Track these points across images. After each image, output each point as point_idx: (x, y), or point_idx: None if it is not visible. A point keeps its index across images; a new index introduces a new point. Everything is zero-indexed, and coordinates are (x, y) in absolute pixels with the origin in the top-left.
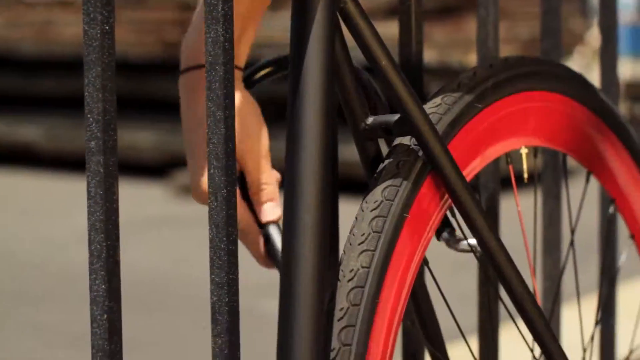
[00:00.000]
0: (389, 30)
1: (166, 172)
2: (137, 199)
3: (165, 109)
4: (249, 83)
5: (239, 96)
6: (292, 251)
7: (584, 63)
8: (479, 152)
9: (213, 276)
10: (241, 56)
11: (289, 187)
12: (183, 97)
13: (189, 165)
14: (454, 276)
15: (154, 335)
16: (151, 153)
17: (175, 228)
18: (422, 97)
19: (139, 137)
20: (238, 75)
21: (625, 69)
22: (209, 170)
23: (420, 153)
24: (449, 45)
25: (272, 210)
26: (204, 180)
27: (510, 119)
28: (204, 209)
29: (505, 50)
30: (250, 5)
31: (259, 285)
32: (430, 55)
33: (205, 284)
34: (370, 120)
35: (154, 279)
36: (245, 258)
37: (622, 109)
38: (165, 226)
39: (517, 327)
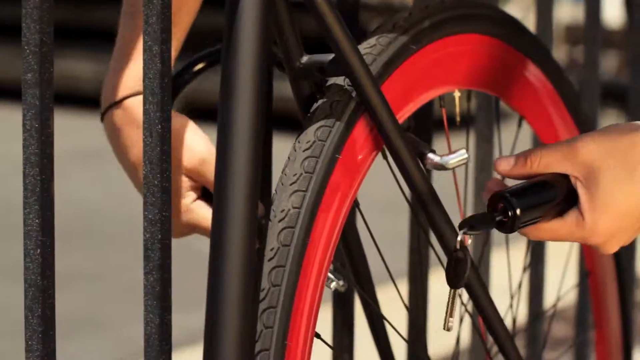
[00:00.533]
0: None
1: None
2: (76, 130)
3: (106, 39)
4: (180, 82)
5: (176, 127)
6: (223, 191)
7: (525, 6)
8: (412, 94)
9: (146, 213)
10: None
11: (222, 125)
12: (113, 140)
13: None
14: (386, 217)
15: (91, 268)
16: (90, 84)
17: (113, 161)
18: (358, 37)
19: (78, 67)
20: None
21: (565, 13)
22: (144, 106)
23: (354, 94)
24: None
25: None
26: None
27: (444, 62)
28: None
29: None
30: (176, 16)
31: None
32: None
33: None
34: (304, 59)
35: (92, 211)
36: None
37: (560, 52)
38: (104, 158)
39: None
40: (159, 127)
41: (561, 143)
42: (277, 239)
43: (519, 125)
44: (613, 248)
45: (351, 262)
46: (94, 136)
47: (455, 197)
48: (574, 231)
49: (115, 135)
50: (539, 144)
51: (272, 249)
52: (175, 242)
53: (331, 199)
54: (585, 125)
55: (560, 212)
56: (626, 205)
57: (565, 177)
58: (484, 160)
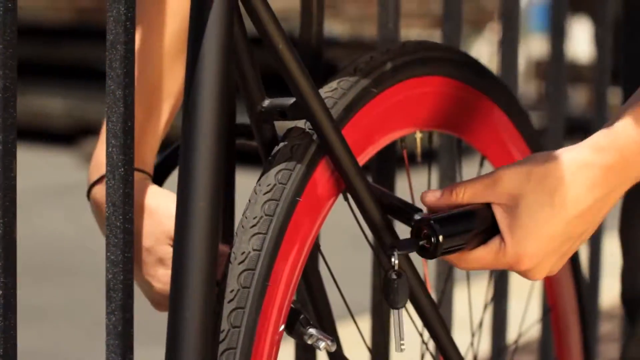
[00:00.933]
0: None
1: (75, 140)
2: (45, 166)
3: (77, 76)
4: (169, 165)
5: (157, 201)
6: (184, 234)
7: (496, 40)
8: (374, 136)
9: (108, 254)
10: (147, 157)
11: (183, 168)
12: (98, 215)
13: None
14: (350, 252)
15: (59, 303)
16: (61, 120)
17: (84, 196)
18: (326, 74)
19: (49, 104)
20: (143, 178)
21: (536, 48)
22: (107, 149)
23: (315, 137)
24: (361, 19)
25: None
26: (158, 287)
27: (406, 104)
28: None
29: (418, 25)
30: (152, 98)
31: None
32: (342, 29)
33: None
34: (266, 102)
35: (60, 247)
36: None
37: (531, 87)
38: (73, 194)
39: (408, 313)
40: (122, 170)
41: (484, 175)
42: (237, 281)
43: (481, 164)
44: (540, 274)
45: (312, 300)
46: (64, 172)
47: None
48: (499, 258)
49: (99, 211)
50: None
51: (232, 291)
52: None
53: (292, 241)
54: None
55: (484, 241)
56: (548, 228)
57: (489, 207)
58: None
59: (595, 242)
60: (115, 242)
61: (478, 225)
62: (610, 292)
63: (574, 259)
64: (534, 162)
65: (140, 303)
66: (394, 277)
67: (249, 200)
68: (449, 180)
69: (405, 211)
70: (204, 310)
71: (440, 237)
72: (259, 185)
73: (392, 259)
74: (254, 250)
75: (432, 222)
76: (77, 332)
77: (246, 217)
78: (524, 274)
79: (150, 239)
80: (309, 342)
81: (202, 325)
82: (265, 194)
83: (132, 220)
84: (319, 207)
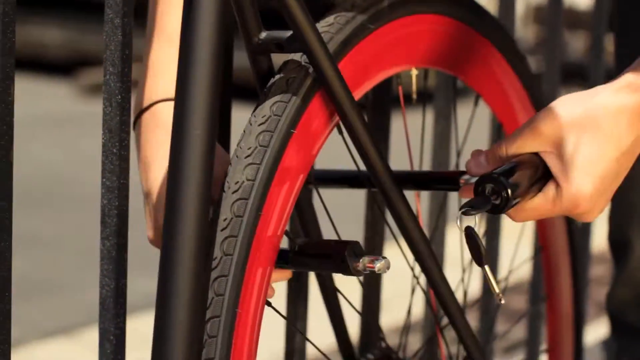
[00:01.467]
0: None
1: (73, 71)
2: (43, 96)
3: (75, 6)
4: None
5: None
6: (178, 163)
7: None
8: (369, 72)
9: (104, 180)
10: None
11: (179, 96)
12: (140, 143)
13: (147, 208)
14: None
15: (53, 231)
16: (59, 50)
17: (80, 126)
18: (318, 16)
19: (47, 34)
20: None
21: None
22: (104, 77)
23: (311, 70)
24: None
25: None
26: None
27: (402, 41)
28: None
29: None
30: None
31: None
32: None
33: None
34: (263, 35)
35: (56, 176)
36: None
37: (529, 32)
38: (70, 124)
39: (399, 246)
40: (119, 97)
41: (521, 128)
42: (230, 210)
43: (476, 103)
44: (596, 214)
45: (307, 235)
46: (62, 102)
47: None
48: (556, 204)
49: (143, 139)
50: (495, 121)
51: (225, 219)
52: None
53: (285, 173)
54: (542, 104)
55: (540, 189)
56: (600, 168)
57: (537, 155)
58: (441, 137)
59: None
60: (111, 169)
61: (533, 175)
62: (602, 234)
63: None
64: (572, 105)
65: (135, 230)
66: (474, 235)
67: (244, 131)
68: (443, 118)
69: (449, 177)
70: (197, 235)
71: (509, 190)
72: (254, 116)
73: (471, 220)
74: (247, 180)
75: (497, 176)
76: (71, 259)
77: (240, 148)
78: (580, 216)
79: None
80: (361, 268)
81: (196, 252)
82: (260, 125)
83: (128, 147)
84: (313, 140)
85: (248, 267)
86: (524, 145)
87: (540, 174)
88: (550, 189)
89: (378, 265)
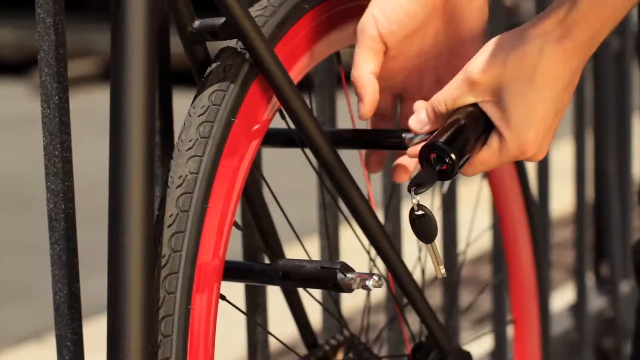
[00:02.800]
0: None
1: (26, 70)
2: None
3: (27, 6)
4: None
5: None
6: (118, 163)
7: None
8: (308, 53)
9: (48, 184)
10: None
11: (114, 92)
12: None
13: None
14: (296, 173)
15: (15, 233)
16: (11, 51)
17: (37, 126)
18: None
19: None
20: None
21: None
22: (40, 78)
23: (247, 56)
24: None
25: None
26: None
27: (338, 19)
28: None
29: None
30: None
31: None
32: None
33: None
34: (196, 23)
35: (10, 177)
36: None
37: None
38: (24, 124)
39: (353, 229)
40: (57, 98)
41: (457, 79)
42: (175, 205)
43: None
44: (543, 153)
45: (257, 223)
46: (15, 102)
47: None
48: (503, 153)
49: None
50: None
51: (171, 215)
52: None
53: (229, 163)
54: None
55: (485, 141)
56: (540, 109)
57: (476, 107)
58: None
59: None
60: (55, 172)
61: (476, 129)
62: (560, 199)
63: (520, 168)
64: (505, 48)
65: (85, 233)
66: (421, 213)
67: (184, 123)
68: None
69: (392, 136)
70: (143, 233)
71: (453, 156)
72: (193, 107)
73: (413, 200)
74: (190, 173)
75: (440, 144)
76: (37, 262)
77: (182, 140)
78: (528, 159)
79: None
80: (355, 287)
81: (143, 251)
82: (199, 115)
83: (69, 149)
84: (255, 127)
85: (198, 262)
86: (462, 98)
87: (483, 126)
88: (494, 140)
89: (371, 283)
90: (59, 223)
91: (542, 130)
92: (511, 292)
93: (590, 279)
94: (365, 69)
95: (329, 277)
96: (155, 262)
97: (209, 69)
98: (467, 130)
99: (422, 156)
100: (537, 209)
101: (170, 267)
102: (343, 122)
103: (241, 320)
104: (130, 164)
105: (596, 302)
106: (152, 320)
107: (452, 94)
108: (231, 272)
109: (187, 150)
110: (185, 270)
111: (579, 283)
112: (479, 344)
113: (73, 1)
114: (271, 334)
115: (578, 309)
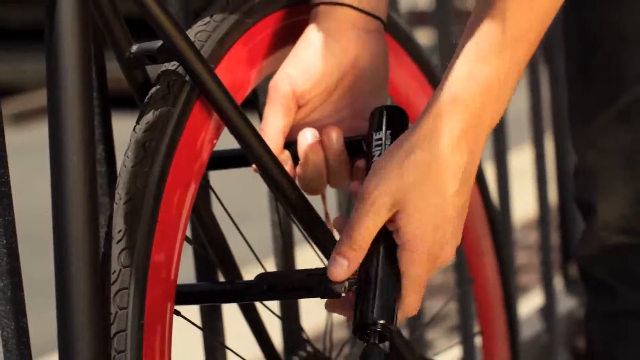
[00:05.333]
0: None
1: None
2: None
3: None
4: None
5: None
6: (60, 194)
7: None
8: (253, 68)
9: None
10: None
11: (52, 119)
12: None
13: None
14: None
15: None
16: None
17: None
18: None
19: None
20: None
21: None
22: None
23: (187, 78)
24: None
25: None
26: None
27: (283, 33)
28: (37, 138)
29: None
30: None
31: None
32: None
33: (37, 213)
34: (134, 48)
35: None
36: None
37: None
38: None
39: (311, 245)
40: None
41: (358, 206)
42: (124, 222)
43: None
44: (455, 248)
45: (211, 244)
46: None
47: None
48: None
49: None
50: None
51: (119, 231)
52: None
53: (176, 181)
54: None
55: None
56: (443, 215)
57: (386, 239)
58: None
59: (501, 159)
60: None
61: (395, 272)
62: (525, 203)
63: (479, 176)
64: (398, 160)
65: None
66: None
67: (130, 140)
68: None
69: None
70: (90, 251)
71: (384, 322)
72: (139, 124)
73: None
74: (138, 188)
75: (373, 322)
76: None
77: (127, 157)
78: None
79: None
80: (344, 292)
81: (90, 267)
82: (145, 132)
83: (8, 183)
84: (201, 147)
85: (150, 276)
86: (375, 222)
87: (393, 265)
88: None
89: None
90: (2, 259)
91: (450, 233)
92: (477, 303)
93: (558, 281)
94: (274, 125)
95: (319, 283)
96: (105, 279)
97: (149, 93)
98: (392, 283)
99: (358, 334)
100: (499, 216)
101: (121, 282)
102: None
103: (198, 338)
104: (72, 193)
105: (566, 304)
106: (104, 337)
107: (364, 224)
108: (204, 295)
109: (133, 166)
110: (137, 285)
111: (547, 286)
112: (451, 353)
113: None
114: (230, 349)
115: (547, 311)
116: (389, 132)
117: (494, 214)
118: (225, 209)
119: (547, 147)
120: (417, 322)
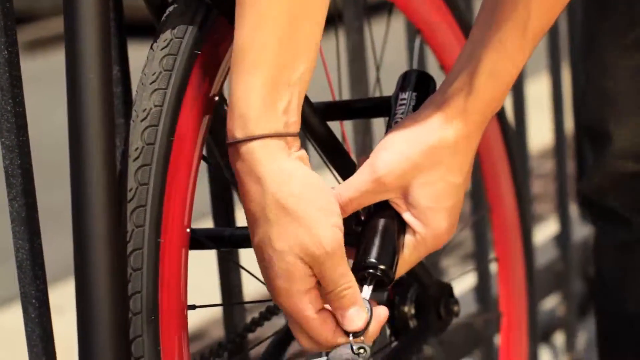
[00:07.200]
0: None
1: None
2: None
3: None
4: None
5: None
6: (77, 115)
7: None
8: None
9: (3, 140)
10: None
11: (69, 37)
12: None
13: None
14: None
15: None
16: None
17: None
18: None
19: None
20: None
21: None
22: None
23: None
24: None
25: (357, 315)
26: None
27: None
28: (52, 66)
29: None
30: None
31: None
32: None
33: (52, 142)
34: None
35: None
36: None
37: None
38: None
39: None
40: (6, 52)
41: (362, 176)
42: (141, 138)
43: (390, 12)
44: (451, 234)
45: (227, 162)
46: None
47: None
48: (421, 250)
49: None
50: (412, 30)
51: (136, 149)
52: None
53: (194, 95)
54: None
55: (403, 243)
56: (449, 200)
57: (388, 209)
58: (354, 51)
59: (517, 87)
60: (8, 127)
61: (395, 233)
62: (540, 133)
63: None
64: (408, 146)
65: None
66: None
67: (147, 58)
68: (355, 32)
69: (376, 104)
70: (107, 175)
71: (384, 267)
72: (156, 42)
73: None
74: (155, 106)
75: (372, 262)
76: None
77: (145, 74)
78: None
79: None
80: None
81: (107, 185)
82: (162, 49)
83: (22, 103)
84: (220, 60)
85: (166, 195)
86: (371, 197)
87: (398, 226)
88: (410, 240)
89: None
90: (16, 179)
91: (452, 218)
92: (494, 230)
93: (574, 209)
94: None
95: None
96: (122, 196)
97: (167, 11)
98: (391, 236)
99: (357, 275)
100: (516, 142)
101: (138, 200)
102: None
103: (213, 258)
104: (88, 113)
105: (581, 231)
106: (120, 255)
107: (362, 196)
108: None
109: (151, 83)
110: (154, 203)
111: (562, 214)
112: (465, 281)
113: None
114: (247, 270)
115: (562, 239)
116: (414, 94)
117: (511, 140)
118: None
119: (564, 76)
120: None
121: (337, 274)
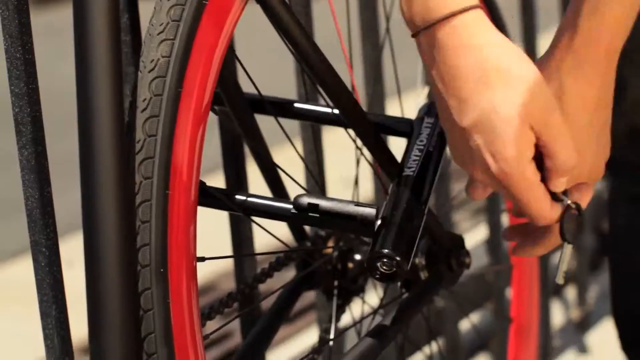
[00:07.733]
0: None
1: None
2: None
3: None
4: None
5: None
6: (85, 62)
7: None
8: None
9: (12, 87)
10: None
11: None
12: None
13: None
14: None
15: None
16: None
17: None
18: None
19: None
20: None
21: None
22: None
23: None
24: None
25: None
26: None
27: None
28: (61, 20)
29: None
30: None
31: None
32: None
33: (58, 95)
34: None
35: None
36: None
37: None
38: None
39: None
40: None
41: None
42: (148, 89)
43: None
44: (600, 171)
45: (234, 111)
46: None
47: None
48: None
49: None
50: None
51: (144, 100)
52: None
53: (202, 47)
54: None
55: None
56: (582, 136)
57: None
58: (367, 27)
59: (530, 41)
60: (18, 75)
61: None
62: None
63: None
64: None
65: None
66: (575, 213)
67: (154, 8)
68: (367, 9)
69: None
70: (114, 126)
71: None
72: None
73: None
74: (163, 57)
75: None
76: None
77: (152, 25)
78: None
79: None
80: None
81: (114, 135)
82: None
83: (32, 51)
84: (228, 10)
85: (174, 147)
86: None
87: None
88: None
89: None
90: (26, 127)
91: (596, 153)
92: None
93: None
94: None
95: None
96: (130, 148)
97: None
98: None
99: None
100: None
101: (146, 152)
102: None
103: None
104: (97, 61)
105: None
106: (128, 206)
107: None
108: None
109: (159, 34)
110: (162, 155)
111: None
112: (476, 233)
113: None
114: (256, 223)
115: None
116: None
117: None
118: (248, 76)
119: None
120: (441, 202)
121: (561, 139)
